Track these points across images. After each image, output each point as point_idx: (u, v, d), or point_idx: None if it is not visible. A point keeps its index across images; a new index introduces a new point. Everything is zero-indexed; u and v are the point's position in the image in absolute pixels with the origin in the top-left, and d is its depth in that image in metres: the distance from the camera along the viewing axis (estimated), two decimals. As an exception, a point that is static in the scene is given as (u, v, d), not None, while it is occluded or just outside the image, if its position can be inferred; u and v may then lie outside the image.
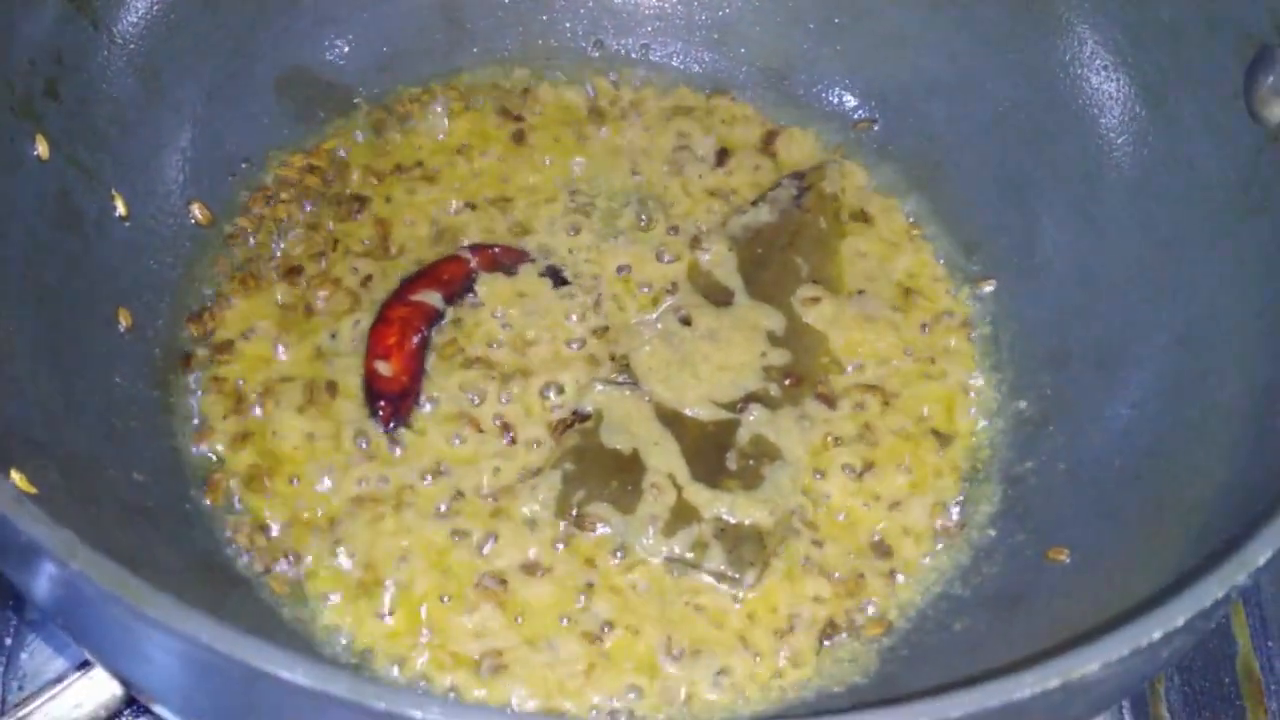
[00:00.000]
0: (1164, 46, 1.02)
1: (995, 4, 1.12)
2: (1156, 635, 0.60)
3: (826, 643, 0.92)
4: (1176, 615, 0.61)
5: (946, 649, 0.91)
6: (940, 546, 0.98)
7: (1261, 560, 0.64)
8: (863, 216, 1.15)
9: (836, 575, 0.96)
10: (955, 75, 1.15)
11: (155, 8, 1.04)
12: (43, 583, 0.66)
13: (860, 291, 1.10)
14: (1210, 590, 0.62)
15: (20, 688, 0.98)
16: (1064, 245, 1.07)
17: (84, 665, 0.91)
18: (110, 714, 0.88)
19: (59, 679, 0.92)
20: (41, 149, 0.94)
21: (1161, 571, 0.83)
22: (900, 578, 0.96)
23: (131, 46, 1.02)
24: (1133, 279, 1.02)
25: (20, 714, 0.87)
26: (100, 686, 0.90)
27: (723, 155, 1.17)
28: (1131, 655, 0.59)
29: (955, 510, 1.00)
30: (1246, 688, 1.05)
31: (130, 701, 0.90)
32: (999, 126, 1.12)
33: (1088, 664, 0.58)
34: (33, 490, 0.74)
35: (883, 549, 0.97)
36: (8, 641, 1.00)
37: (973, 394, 1.06)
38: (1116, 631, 0.60)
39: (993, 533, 0.98)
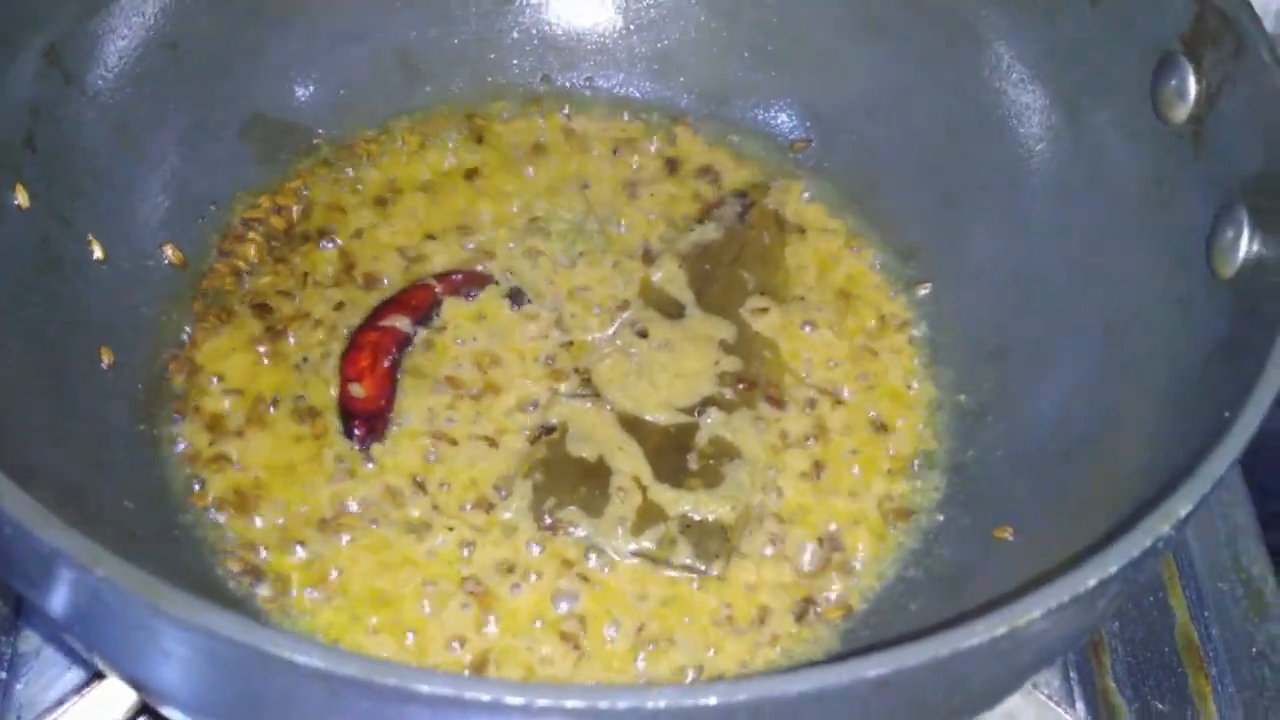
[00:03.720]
0: (1076, 59, 1.09)
1: (920, 26, 1.19)
2: (1092, 583, 0.66)
3: (802, 620, 0.98)
4: (1109, 564, 0.66)
5: (906, 627, 0.96)
6: (892, 533, 1.04)
7: (1183, 512, 0.70)
8: (803, 230, 1.21)
9: (798, 564, 1.01)
10: (886, 94, 1.22)
11: (124, 61, 1.08)
12: (59, 594, 0.70)
13: (803, 299, 1.16)
14: (1138, 540, 0.68)
15: (19, 718, 1.01)
16: (994, 248, 1.14)
17: (80, 689, 0.95)
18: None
19: (58, 704, 0.95)
20: (21, 198, 0.98)
21: (1092, 543, 0.89)
22: (857, 564, 1.02)
23: (103, 99, 1.07)
24: (1059, 276, 1.09)
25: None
26: (96, 710, 0.94)
27: (669, 178, 1.23)
28: (1071, 602, 0.65)
29: (904, 499, 1.06)
30: (1186, 656, 1.11)
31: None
32: (929, 140, 1.19)
33: (1031, 611, 0.64)
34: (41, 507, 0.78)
35: (838, 538, 1.03)
36: (2, 675, 1.03)
37: (915, 391, 1.12)
38: (1056, 581, 0.66)
39: (940, 517, 1.04)
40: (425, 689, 0.59)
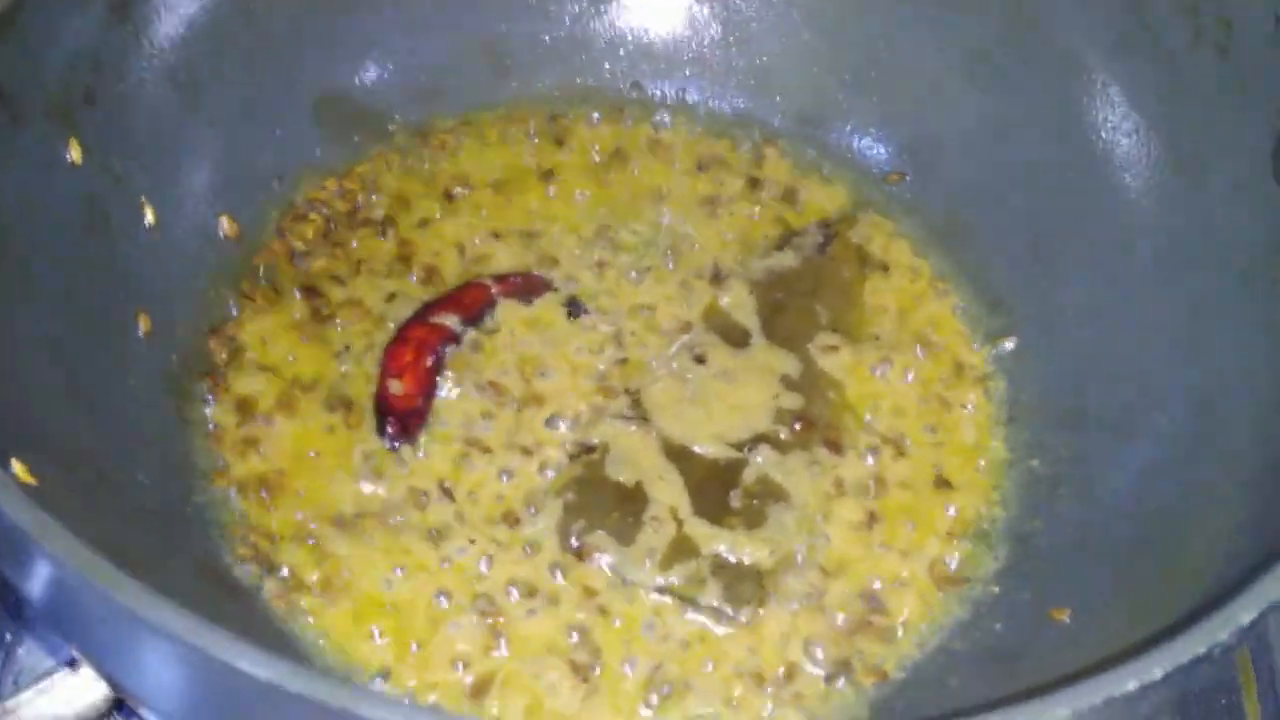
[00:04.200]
0: (1195, 113, 1.01)
1: (1028, 64, 1.12)
2: (1131, 686, 0.59)
3: (830, 685, 0.91)
4: (1154, 667, 0.59)
5: (940, 703, 0.89)
6: (941, 600, 0.97)
7: (1246, 619, 0.62)
8: (886, 267, 1.15)
9: (835, 621, 0.94)
10: (988, 133, 1.15)
11: (197, 21, 1.06)
12: (37, 580, 0.66)
13: (877, 339, 1.09)
14: (1191, 646, 0.60)
15: (16, 683, 0.98)
16: (1086, 306, 1.06)
17: (74, 662, 0.92)
18: (99, 715, 0.89)
19: (46, 673, 0.92)
20: (75, 154, 0.96)
21: (1160, 630, 0.81)
22: (899, 629, 0.95)
23: (171, 57, 1.04)
24: (1153, 342, 1.01)
25: (5, 710, 0.88)
26: (90, 685, 0.91)
27: (751, 198, 1.17)
28: (1104, 705, 0.58)
29: (959, 565, 0.98)
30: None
31: (120, 702, 0.91)
32: (1028, 185, 1.12)
33: (1055, 709, 0.57)
34: (33, 481, 0.75)
35: (882, 598, 0.96)
36: (7, 637, 1.00)
37: (986, 449, 1.05)
38: (1091, 679, 0.59)
39: (996, 589, 0.97)
40: None
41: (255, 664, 0.57)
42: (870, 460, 1.03)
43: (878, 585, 0.97)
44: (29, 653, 0.99)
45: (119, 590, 0.60)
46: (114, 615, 0.62)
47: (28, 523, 0.63)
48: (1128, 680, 0.59)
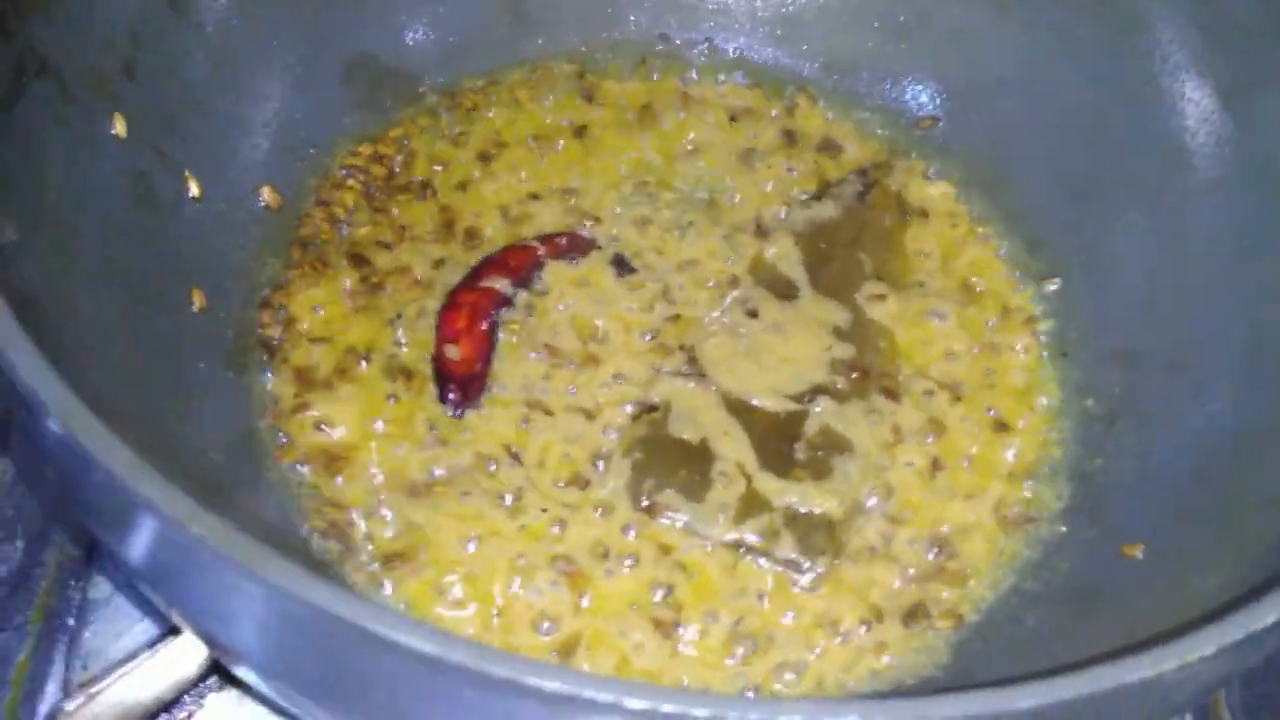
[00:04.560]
0: (1241, 46, 1.02)
1: (1063, 3, 1.12)
2: (1270, 619, 0.59)
3: (910, 627, 0.92)
4: (1268, 612, 0.60)
5: (1021, 642, 0.90)
6: (1009, 541, 0.97)
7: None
8: (926, 213, 1.15)
9: (907, 568, 0.95)
10: (1022, 74, 1.15)
11: (233, -9, 1.04)
12: (143, 545, 0.66)
13: (923, 286, 1.10)
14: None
15: (85, 667, 0.97)
16: (1134, 245, 1.07)
17: (151, 645, 0.91)
18: (180, 692, 0.89)
19: (128, 658, 0.92)
20: (119, 128, 0.94)
21: (1241, 569, 0.83)
22: (970, 571, 0.96)
23: (208, 30, 1.02)
24: (1205, 280, 1.02)
25: (89, 693, 0.87)
26: (168, 666, 0.90)
27: (787, 150, 1.17)
28: (1247, 639, 0.59)
29: (1023, 506, 0.99)
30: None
31: (197, 681, 0.90)
32: (1066, 125, 1.12)
33: (1202, 647, 0.58)
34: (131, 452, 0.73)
35: (951, 543, 0.97)
36: (70, 621, 1.00)
37: (1039, 390, 1.05)
38: (1229, 616, 0.60)
39: (1063, 528, 0.98)
40: (542, 684, 0.54)
41: (362, 614, 0.57)
42: (927, 406, 1.03)
43: (946, 530, 0.98)
44: (95, 636, 0.99)
45: (218, 536, 0.59)
46: (213, 565, 0.61)
47: (137, 477, 0.62)
48: (1267, 614, 0.59)
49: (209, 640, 0.76)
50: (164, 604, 0.76)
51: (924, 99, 1.19)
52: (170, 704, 0.89)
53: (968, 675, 0.89)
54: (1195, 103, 1.05)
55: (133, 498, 0.60)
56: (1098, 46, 1.10)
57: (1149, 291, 1.05)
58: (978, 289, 1.10)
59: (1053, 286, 1.10)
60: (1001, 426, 1.03)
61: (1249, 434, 0.93)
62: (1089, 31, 1.10)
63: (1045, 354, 1.07)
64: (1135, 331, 1.05)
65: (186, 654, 0.87)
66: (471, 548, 0.93)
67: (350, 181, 1.10)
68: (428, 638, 0.55)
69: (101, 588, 0.99)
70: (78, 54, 0.91)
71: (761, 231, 1.12)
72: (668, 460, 0.98)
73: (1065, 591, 0.93)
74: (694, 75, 1.21)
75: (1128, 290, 1.07)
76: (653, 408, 1.00)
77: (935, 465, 1.00)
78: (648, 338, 1.04)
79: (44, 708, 0.95)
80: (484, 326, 1.02)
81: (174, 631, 0.86)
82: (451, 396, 0.99)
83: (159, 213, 0.97)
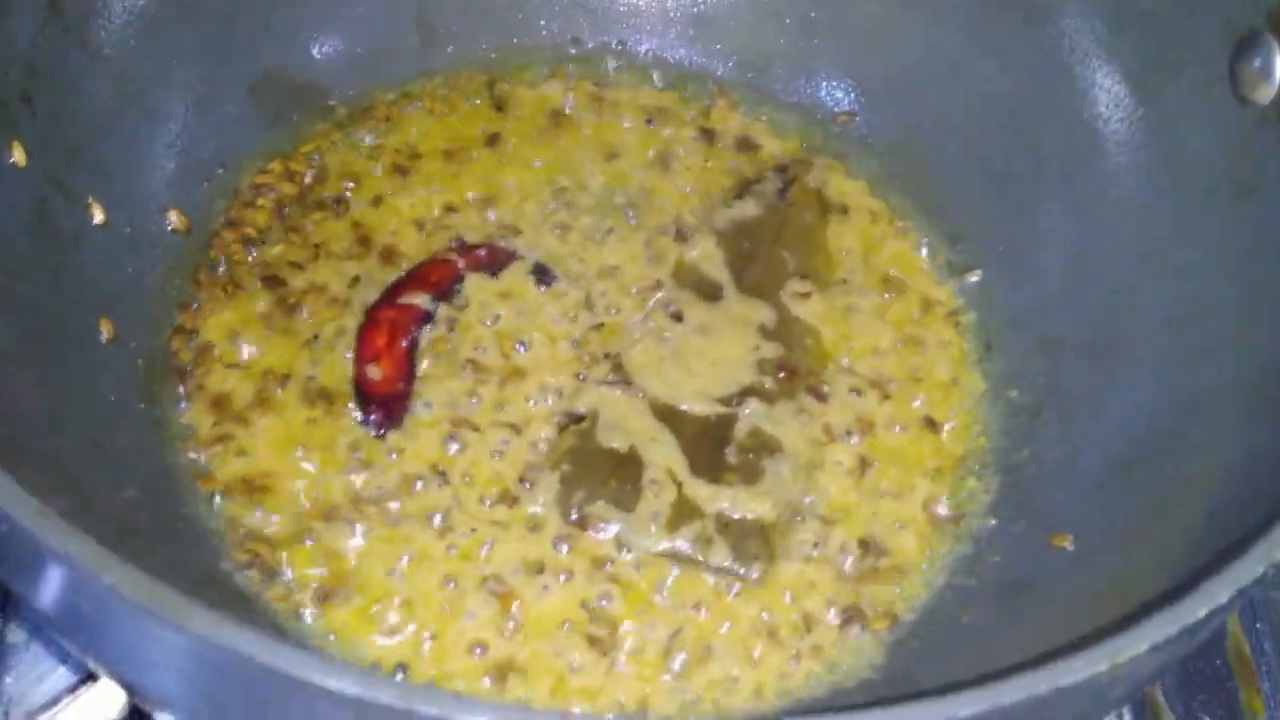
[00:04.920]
0: (1146, 33, 1.02)
1: (971, -7, 1.12)
2: (1202, 613, 0.60)
3: (846, 629, 0.91)
4: (1219, 592, 0.60)
5: (957, 640, 0.90)
6: (940, 537, 0.98)
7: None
8: (846, 209, 1.15)
9: (842, 569, 0.95)
10: (934, 66, 1.15)
11: (129, 12, 1.01)
12: (51, 589, 0.64)
13: (846, 283, 1.09)
14: (1251, 566, 0.62)
15: (6, 714, 0.95)
16: (1051, 233, 1.07)
17: (74, 689, 0.89)
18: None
19: (51, 703, 0.89)
20: (18, 156, 0.91)
21: (1170, 555, 0.83)
22: (904, 568, 0.96)
23: (106, 52, 0.99)
24: (1122, 264, 1.02)
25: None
26: (91, 709, 0.88)
27: (705, 150, 1.16)
28: (1180, 634, 0.59)
29: (952, 501, 0.99)
30: (1238, 669, 1.06)
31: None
32: (981, 116, 1.12)
33: (1138, 645, 0.58)
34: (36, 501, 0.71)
35: (883, 541, 0.97)
36: (-10, 671, 0.97)
37: (963, 383, 1.06)
38: (1161, 612, 0.60)
39: (993, 521, 0.98)
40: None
41: (260, 648, 0.55)
42: (855, 404, 1.03)
43: (877, 529, 0.97)
44: (17, 680, 0.96)
45: (125, 581, 0.58)
46: (121, 609, 0.60)
47: (43, 527, 0.60)
48: (1199, 607, 0.60)
49: (129, 688, 0.74)
50: (79, 652, 0.74)
51: (839, 94, 1.19)
52: (94, 749, 0.86)
53: (905, 676, 0.89)
54: (1106, 89, 1.05)
55: (40, 547, 0.58)
56: (1007, 36, 1.10)
57: (1068, 279, 1.06)
58: (900, 283, 1.10)
59: (974, 278, 1.10)
60: (928, 422, 1.03)
61: (1170, 418, 0.94)
62: (997, 21, 1.11)
63: (969, 346, 1.08)
64: (1056, 319, 1.05)
65: (109, 698, 0.86)
66: (400, 572, 0.91)
67: (260, 200, 1.08)
68: (353, 680, 0.53)
69: (18, 632, 0.96)
70: (-31, 84, 0.88)
71: (682, 234, 1.11)
72: (597, 471, 0.96)
73: (998, 585, 0.94)
74: (609, 78, 1.20)
75: (1047, 278, 1.07)
76: (580, 418, 0.99)
77: (864, 463, 1.00)
78: (572, 347, 1.03)
79: (-35, 757, 0.93)
80: (404, 344, 1.00)
81: (95, 676, 0.84)
82: (373, 417, 0.97)
83: (62, 241, 0.94)
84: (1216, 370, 0.92)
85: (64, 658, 0.93)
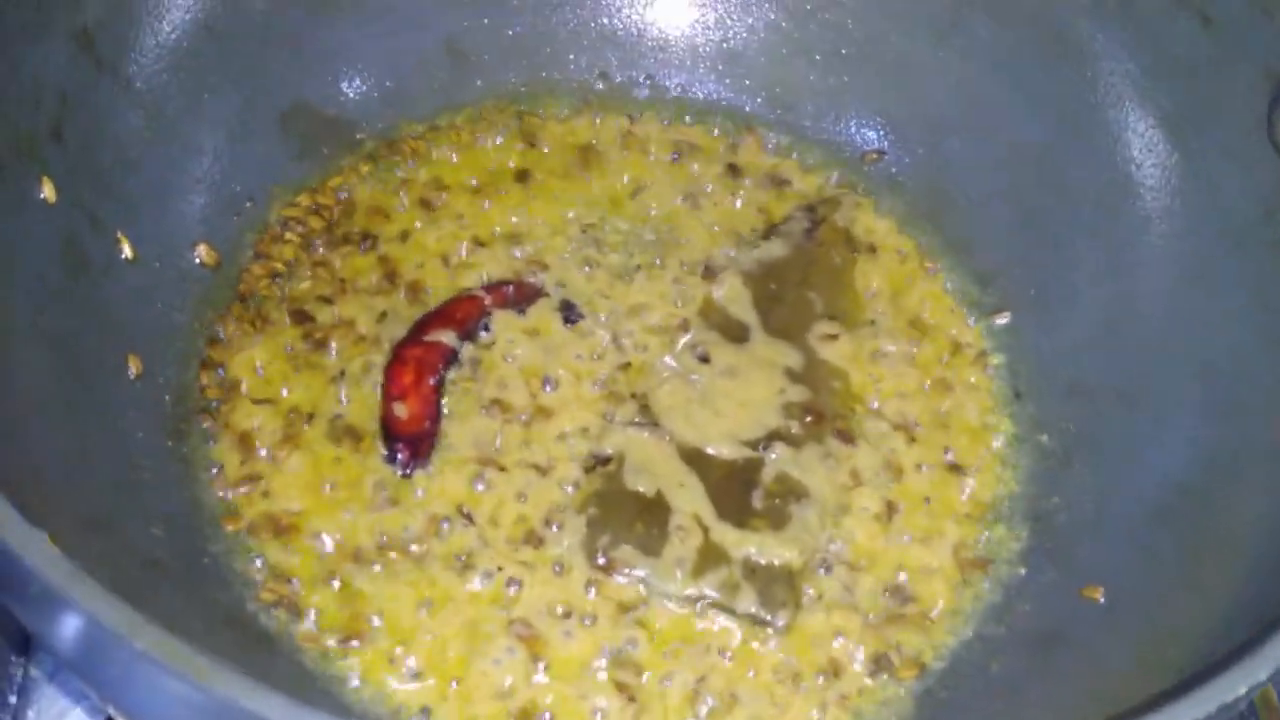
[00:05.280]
0: (1183, 78, 1.02)
1: (1008, 36, 1.12)
2: (1242, 690, 0.59)
3: (873, 678, 0.91)
4: (1258, 670, 0.59)
5: (986, 691, 0.90)
6: (969, 584, 0.97)
7: None
8: (874, 249, 1.14)
9: (868, 616, 0.94)
10: (966, 106, 1.14)
11: (161, 47, 1.01)
12: (67, 635, 0.63)
13: (873, 324, 1.09)
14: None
15: (28, 749, 0.95)
16: (1082, 277, 1.07)
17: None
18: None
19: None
20: (48, 192, 0.91)
21: (1205, 612, 0.83)
22: (932, 616, 0.95)
23: (137, 87, 1.00)
24: (1155, 312, 1.02)
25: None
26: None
27: (732, 187, 1.16)
28: (1218, 712, 0.58)
29: (981, 548, 0.99)
30: (1265, 715, 1.04)
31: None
32: (1012, 157, 1.12)
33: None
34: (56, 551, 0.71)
35: (911, 589, 0.96)
36: (13, 699, 0.96)
37: (993, 428, 1.05)
38: (1198, 690, 0.59)
39: (1022, 570, 0.97)
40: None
41: (288, 715, 0.55)
42: (882, 448, 1.02)
43: (904, 576, 0.97)
44: (39, 715, 0.96)
45: (153, 645, 0.57)
46: (148, 669, 0.60)
47: (58, 578, 0.60)
48: (1239, 684, 0.59)
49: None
50: (99, 700, 0.74)
51: (869, 133, 1.18)
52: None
53: (934, 727, 0.88)
54: (1140, 134, 1.05)
55: (65, 605, 0.58)
56: (1040, 77, 1.10)
57: (1100, 324, 1.05)
58: (928, 325, 1.10)
59: (1003, 321, 1.09)
60: (957, 466, 1.02)
61: (1204, 471, 0.93)
62: (1030, 62, 1.10)
63: (998, 390, 1.07)
64: (1087, 365, 1.05)
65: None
66: (425, 614, 0.91)
67: (289, 234, 1.07)
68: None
69: (44, 666, 0.96)
70: (3, 118, 0.88)
71: (710, 272, 1.10)
72: (623, 514, 0.96)
73: (1027, 635, 0.93)
74: (636, 113, 1.20)
75: (1078, 323, 1.06)
76: (606, 460, 0.99)
77: (891, 509, 0.99)
78: (599, 387, 1.03)
79: (-12, 792, 0.93)
80: (431, 382, 1.00)
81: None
82: (400, 456, 0.97)
83: (91, 277, 0.94)
84: (1252, 422, 0.92)
85: (84, 696, 0.93)
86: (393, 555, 0.92)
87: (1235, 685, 0.59)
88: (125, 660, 0.59)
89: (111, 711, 0.77)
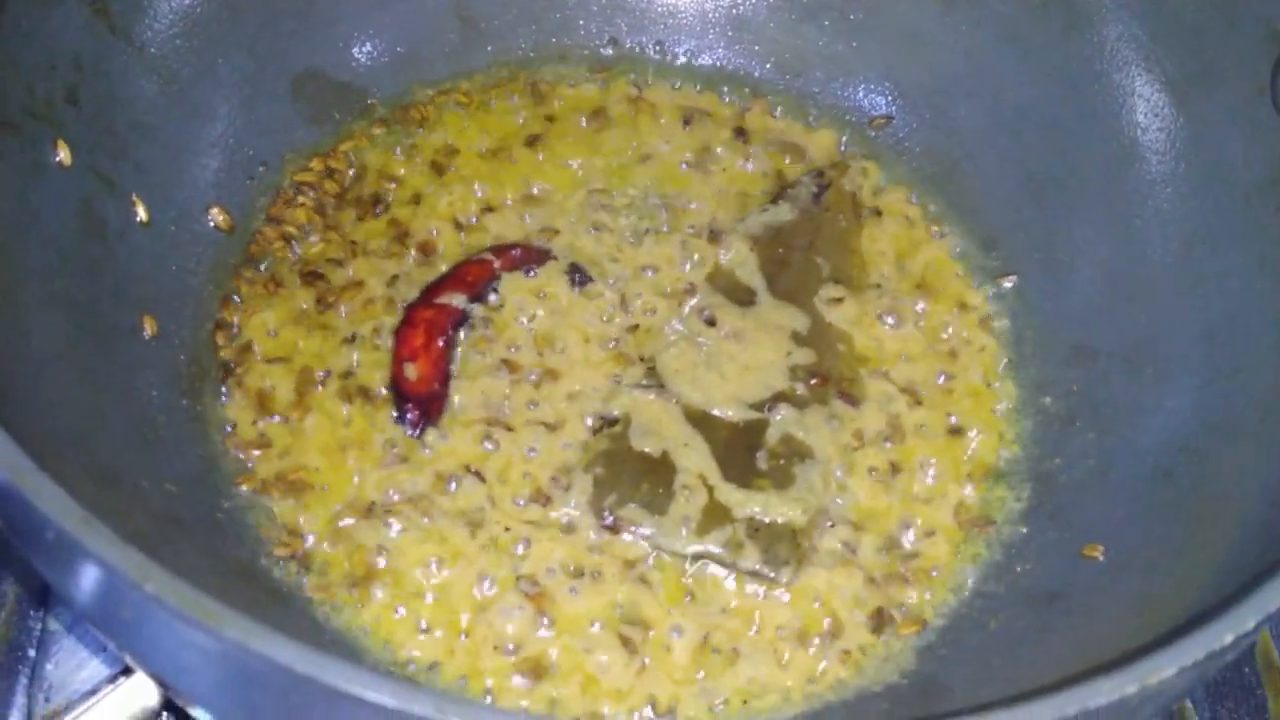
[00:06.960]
0: (1188, 43, 1.02)
1: (1011, 0, 1.12)
2: (1229, 638, 0.60)
3: (874, 634, 0.92)
4: (1247, 618, 0.61)
5: (985, 648, 0.91)
6: (970, 543, 0.98)
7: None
8: (880, 213, 1.15)
9: (871, 573, 0.95)
10: (973, 72, 1.15)
11: (174, 12, 1.03)
12: (86, 587, 0.65)
13: (879, 288, 1.10)
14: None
15: (47, 699, 0.97)
16: (1087, 241, 1.07)
17: (114, 678, 0.91)
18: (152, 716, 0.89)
19: (90, 692, 0.91)
20: (64, 155, 0.93)
21: (1201, 572, 0.84)
22: (933, 574, 0.96)
23: (151, 51, 1.01)
24: (1159, 275, 1.03)
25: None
26: (131, 699, 0.90)
27: (740, 152, 1.16)
28: (1206, 658, 0.59)
29: (983, 508, 1.00)
30: (1267, 677, 1.06)
31: (159, 713, 0.90)
32: (1019, 122, 1.12)
33: (1163, 669, 0.58)
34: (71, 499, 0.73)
35: (912, 547, 0.97)
36: (32, 652, 0.99)
37: (996, 390, 1.06)
38: (1188, 637, 0.60)
39: (1024, 529, 0.98)
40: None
41: (298, 658, 0.56)
42: (887, 410, 1.03)
43: (906, 535, 0.98)
44: (57, 667, 0.98)
45: (166, 590, 0.59)
46: (161, 615, 0.61)
47: (73, 524, 0.62)
48: (1225, 632, 0.60)
49: (163, 683, 0.75)
50: (115, 648, 0.76)
51: (877, 98, 1.19)
52: (133, 735, 0.88)
53: (933, 682, 0.90)
54: (1145, 98, 1.05)
55: (84, 555, 0.60)
56: (1046, 42, 1.10)
57: (1104, 287, 1.06)
58: (933, 289, 1.11)
59: (1008, 284, 1.10)
60: (959, 429, 1.03)
61: (1205, 432, 0.94)
62: (1037, 27, 1.11)
63: (1002, 353, 1.08)
64: (1091, 327, 1.05)
65: (147, 689, 0.87)
66: (435, 570, 0.92)
67: (301, 198, 1.09)
68: (388, 692, 0.54)
69: (63, 618, 0.98)
70: (19, 83, 0.90)
71: (717, 236, 1.11)
72: (630, 474, 0.97)
73: (1027, 594, 0.94)
74: (646, 78, 1.20)
75: (1083, 286, 1.07)
76: (614, 421, 1.00)
77: (894, 469, 1.01)
78: (607, 349, 1.04)
79: (7, 741, 0.95)
80: (441, 344, 1.02)
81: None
82: (410, 416, 0.98)
83: (107, 239, 0.96)
84: (1254, 385, 0.93)
85: (101, 648, 0.95)
86: (402, 512, 0.94)
87: (1222, 633, 0.60)
88: (138, 605, 0.61)
89: (128, 660, 0.79)
